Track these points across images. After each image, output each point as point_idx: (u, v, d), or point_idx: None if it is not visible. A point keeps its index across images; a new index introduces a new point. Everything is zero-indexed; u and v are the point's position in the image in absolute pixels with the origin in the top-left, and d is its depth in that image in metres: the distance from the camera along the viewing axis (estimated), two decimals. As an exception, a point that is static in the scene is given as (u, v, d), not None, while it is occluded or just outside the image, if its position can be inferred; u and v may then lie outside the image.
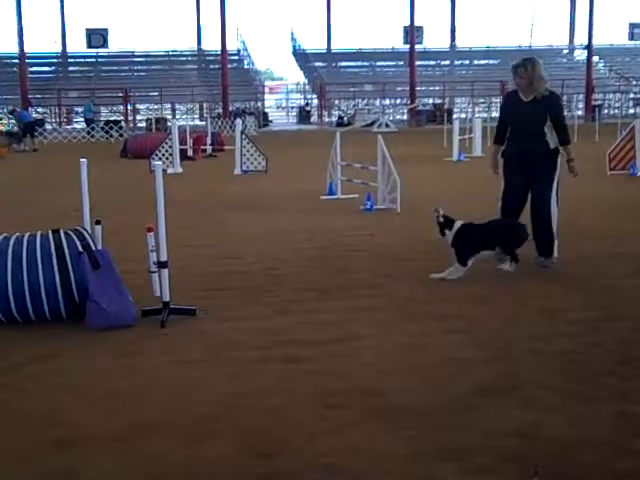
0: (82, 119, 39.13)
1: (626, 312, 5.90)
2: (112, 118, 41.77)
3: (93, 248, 5.85)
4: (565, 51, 58.11)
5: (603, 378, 4.51)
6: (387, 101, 50.69)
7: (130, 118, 44.40)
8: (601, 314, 5.85)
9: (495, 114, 48.80)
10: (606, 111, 48.32)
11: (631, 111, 49.62)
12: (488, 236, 7.12)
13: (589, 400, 4.20)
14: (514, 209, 7.47)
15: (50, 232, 5.96)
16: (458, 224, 7.14)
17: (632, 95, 52.60)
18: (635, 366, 4.71)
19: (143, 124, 42.77)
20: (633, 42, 57.11)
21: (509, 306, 6.14)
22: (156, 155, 18.63)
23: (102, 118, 43.32)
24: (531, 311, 5.98)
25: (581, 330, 5.46)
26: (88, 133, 33.92)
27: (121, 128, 34.82)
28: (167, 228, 5.87)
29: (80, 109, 42.05)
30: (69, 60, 50.70)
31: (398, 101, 50.62)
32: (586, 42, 47.71)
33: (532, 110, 7.31)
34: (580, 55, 55.29)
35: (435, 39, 64.65)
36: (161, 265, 5.87)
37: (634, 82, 52.54)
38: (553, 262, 7.51)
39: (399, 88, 48.93)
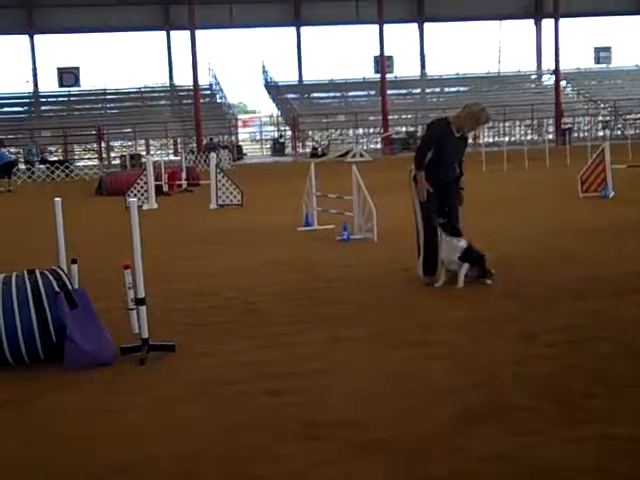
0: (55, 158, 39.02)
1: (604, 333, 5.93)
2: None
3: (70, 287, 5.80)
4: (533, 76, 58.97)
5: (584, 401, 4.52)
6: (360, 130, 51.04)
7: (104, 155, 44.36)
8: (580, 336, 5.87)
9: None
10: (576, 134, 48.89)
11: (600, 133, 50.35)
12: None
13: (571, 423, 4.21)
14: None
15: (26, 272, 5.90)
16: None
17: (600, 118, 53.34)
18: (615, 387, 4.72)
19: (117, 161, 42.76)
20: (599, 66, 58.10)
21: (490, 331, 6.15)
22: (131, 192, 18.56)
23: (75, 157, 43.26)
24: (511, 335, 6.00)
25: (560, 352, 5.48)
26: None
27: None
28: (144, 264, 5.85)
29: (54, 148, 41.92)
30: (41, 100, 50.65)
31: (371, 130, 51.00)
32: (553, 67, 48.41)
33: (462, 145, 8.18)
34: (548, 80, 56.13)
35: (405, 68, 65.14)
36: (139, 302, 5.85)
37: (602, 105, 53.31)
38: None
39: (372, 117, 49.39)
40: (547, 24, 54.65)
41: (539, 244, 10.27)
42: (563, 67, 48.52)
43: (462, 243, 7.80)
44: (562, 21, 47.33)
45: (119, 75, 77.94)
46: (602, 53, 57.83)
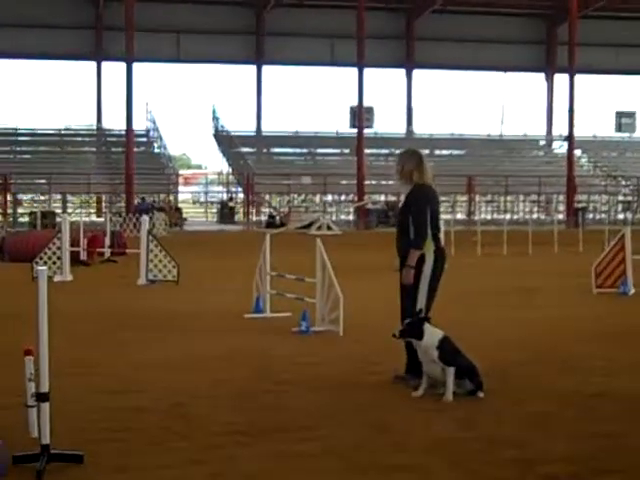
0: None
1: (617, 465, 5.96)
2: None
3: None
4: (542, 142, 60.17)
5: None
6: (329, 197, 51.48)
7: (10, 211, 44.12)
8: (587, 467, 5.90)
9: (460, 215, 49.98)
10: (591, 215, 49.69)
11: (620, 216, 50.85)
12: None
13: None
14: None
15: None
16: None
17: (621, 197, 53.95)
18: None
19: (26, 219, 42.52)
20: (620, 134, 59.12)
21: (476, 455, 6.17)
22: (40, 258, 18.45)
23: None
24: (502, 462, 6.01)
25: (563, 487, 5.50)
26: None
27: None
28: (51, 350, 5.81)
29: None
30: None
31: (343, 197, 51.44)
32: (566, 132, 48.57)
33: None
34: (559, 147, 57.27)
35: (388, 123, 66.30)
36: (41, 398, 5.79)
37: (623, 182, 54.12)
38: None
39: (344, 181, 49.81)
40: (560, 80, 56.06)
41: (542, 349, 10.36)
42: (578, 133, 49.16)
43: (434, 336, 7.84)
44: (578, 78, 47.98)
45: (34, 113, 78.26)
46: (624, 119, 58.84)
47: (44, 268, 6.05)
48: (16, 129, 52.07)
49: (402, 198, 8.40)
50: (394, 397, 7.88)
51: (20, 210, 45.45)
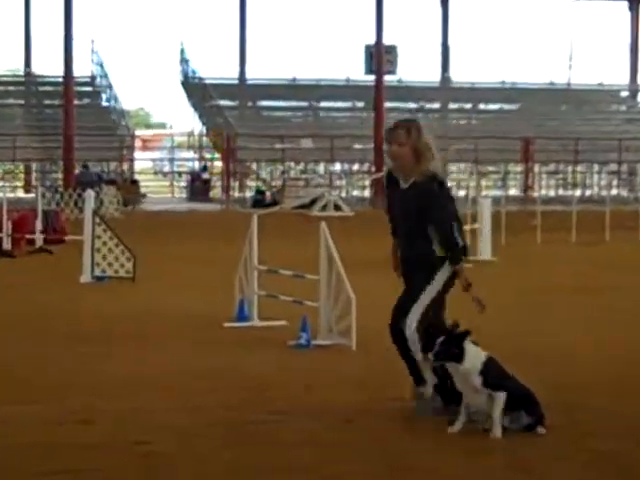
0: None
1: None
2: None
3: None
4: (623, 94, 59.82)
5: None
6: (337, 166, 51.21)
7: None
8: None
9: (514, 191, 49.41)
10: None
11: None
12: None
13: None
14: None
15: None
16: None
17: None
18: None
19: None
20: None
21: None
22: None
23: None
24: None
25: None
26: None
27: None
28: None
29: None
30: None
31: (356, 167, 51.13)
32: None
33: (407, 201, 8.48)
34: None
35: (416, 68, 66.03)
36: None
37: None
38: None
39: (357, 145, 49.64)
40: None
41: (623, 372, 10.37)
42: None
43: (477, 358, 7.94)
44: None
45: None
46: None
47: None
48: None
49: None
50: (419, 432, 7.92)
51: None
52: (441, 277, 8.34)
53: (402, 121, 8.58)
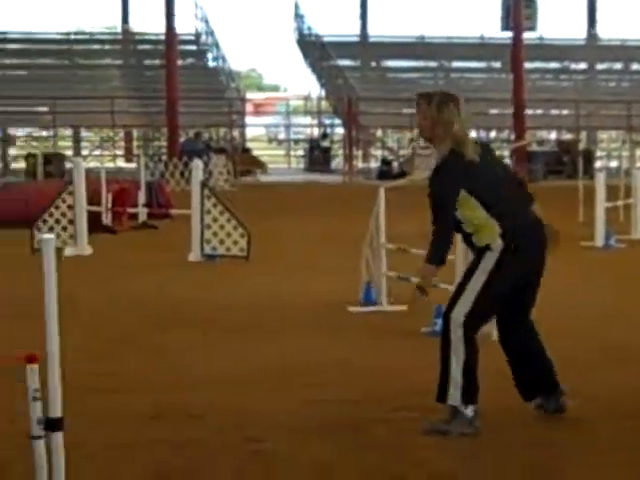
0: None
1: None
2: None
3: None
4: None
5: None
6: (472, 133, 50.83)
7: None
8: None
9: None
10: None
11: None
12: None
13: None
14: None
15: None
16: None
17: None
18: None
19: (21, 164, 42.46)
20: None
21: None
22: (44, 222, 18.62)
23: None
24: None
25: None
26: None
27: None
28: (63, 357, 5.61)
29: None
30: None
31: (493, 134, 50.87)
32: None
33: None
34: None
35: (559, 24, 65.20)
36: (51, 426, 5.61)
37: None
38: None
39: (493, 110, 49.54)
40: None
41: None
42: None
43: None
44: None
45: (30, 11, 78.46)
46: None
47: (51, 236, 5.80)
48: (5, 33, 51.26)
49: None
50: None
51: (12, 152, 45.56)
52: (484, 267, 7.68)
53: (425, 92, 8.08)
